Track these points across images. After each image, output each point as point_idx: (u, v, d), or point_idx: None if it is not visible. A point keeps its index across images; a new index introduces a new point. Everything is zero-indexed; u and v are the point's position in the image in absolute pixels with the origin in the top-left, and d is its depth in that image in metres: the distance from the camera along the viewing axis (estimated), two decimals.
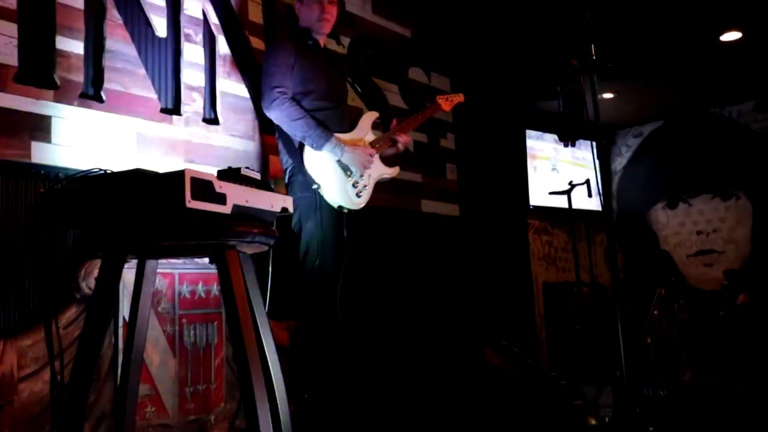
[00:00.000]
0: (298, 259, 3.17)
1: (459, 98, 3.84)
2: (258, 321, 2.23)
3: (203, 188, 1.89)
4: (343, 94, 3.50)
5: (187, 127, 3.30)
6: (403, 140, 3.47)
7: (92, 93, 2.93)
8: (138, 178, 1.89)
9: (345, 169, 3.17)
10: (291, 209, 2.30)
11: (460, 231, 5.15)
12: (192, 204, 1.83)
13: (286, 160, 3.25)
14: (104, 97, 2.96)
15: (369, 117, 3.46)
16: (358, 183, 3.20)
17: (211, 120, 3.42)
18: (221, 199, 1.95)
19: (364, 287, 3.57)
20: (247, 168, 2.14)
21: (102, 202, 1.92)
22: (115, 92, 3.01)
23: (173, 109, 3.26)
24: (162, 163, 3.12)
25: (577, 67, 3.13)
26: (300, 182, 3.14)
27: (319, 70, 3.30)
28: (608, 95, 6.84)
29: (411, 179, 4.67)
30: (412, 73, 4.93)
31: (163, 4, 3.28)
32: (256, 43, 3.71)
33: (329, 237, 3.11)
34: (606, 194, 3.11)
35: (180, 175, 1.82)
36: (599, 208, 3.50)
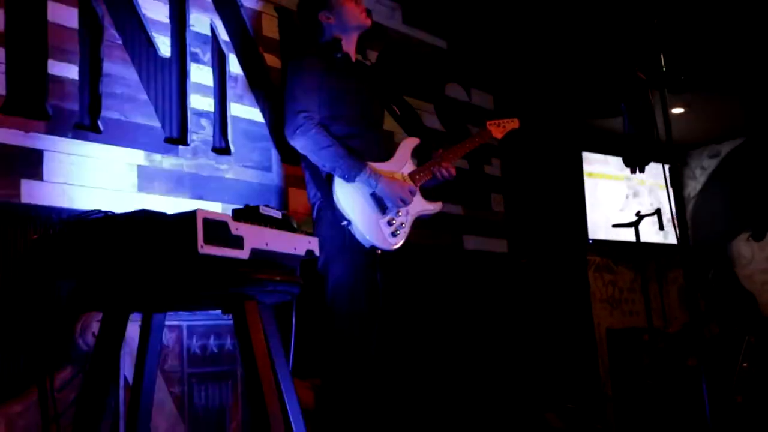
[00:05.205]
0: (325, 307, 3.16)
1: (513, 124, 3.75)
2: (280, 380, 2.23)
3: (217, 231, 1.90)
4: (379, 117, 3.51)
5: (195, 159, 3.34)
6: (449, 172, 3.43)
7: (88, 123, 2.98)
8: (144, 221, 1.90)
9: (380, 203, 3.17)
10: (317, 252, 2.30)
11: (508, 270, 5.11)
12: (205, 249, 1.84)
13: (314, 194, 3.25)
14: (101, 127, 3.00)
15: (408, 144, 3.44)
16: (394, 220, 3.19)
17: (222, 149, 3.45)
18: (238, 242, 1.96)
19: (400, 338, 3.55)
20: (267, 206, 2.15)
21: (103, 250, 1.93)
22: (114, 121, 3.06)
23: (179, 138, 3.30)
24: (167, 201, 3.15)
25: (645, 80, 3.12)
26: (329, 218, 3.14)
27: (350, 90, 3.31)
28: (677, 110, 6.78)
29: (451, 212, 4.66)
30: (449, 90, 4.94)
31: (167, 20, 3.34)
32: (272, 61, 3.75)
33: (360, 282, 3.11)
34: (682, 225, 3.07)
35: (191, 216, 1.84)
36: (669, 241, 3.43)
